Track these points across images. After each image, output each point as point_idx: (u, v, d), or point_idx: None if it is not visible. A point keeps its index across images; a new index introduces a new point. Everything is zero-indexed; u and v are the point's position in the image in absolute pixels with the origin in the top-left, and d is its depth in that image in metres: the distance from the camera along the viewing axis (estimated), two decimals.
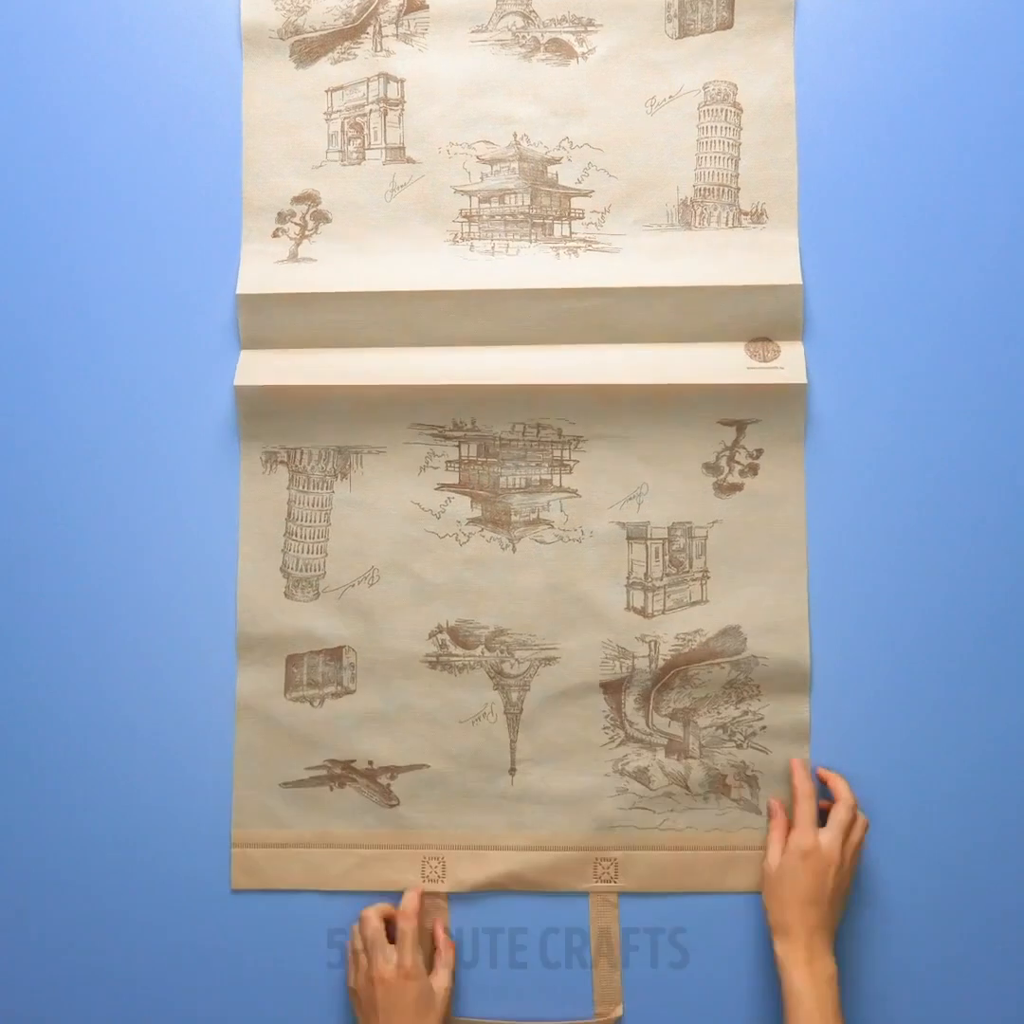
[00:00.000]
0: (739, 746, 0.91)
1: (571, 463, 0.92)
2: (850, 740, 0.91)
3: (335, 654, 0.92)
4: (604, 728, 0.91)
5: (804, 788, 0.87)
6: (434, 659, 0.92)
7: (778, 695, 0.91)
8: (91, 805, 0.92)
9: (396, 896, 0.90)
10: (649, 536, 0.92)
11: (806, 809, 0.86)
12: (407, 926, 0.86)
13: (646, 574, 0.92)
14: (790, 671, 0.91)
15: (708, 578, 0.92)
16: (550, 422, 0.92)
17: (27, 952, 0.92)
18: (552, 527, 0.92)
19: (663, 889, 0.90)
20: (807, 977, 0.80)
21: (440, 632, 0.92)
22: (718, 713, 0.91)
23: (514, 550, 0.92)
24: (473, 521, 0.92)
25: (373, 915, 0.87)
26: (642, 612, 0.92)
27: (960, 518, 0.92)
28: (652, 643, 0.91)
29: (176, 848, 0.92)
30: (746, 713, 0.91)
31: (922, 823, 0.90)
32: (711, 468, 0.92)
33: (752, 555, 0.91)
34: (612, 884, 0.90)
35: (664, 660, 0.91)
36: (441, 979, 0.86)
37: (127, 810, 0.92)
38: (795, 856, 0.84)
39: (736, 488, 0.92)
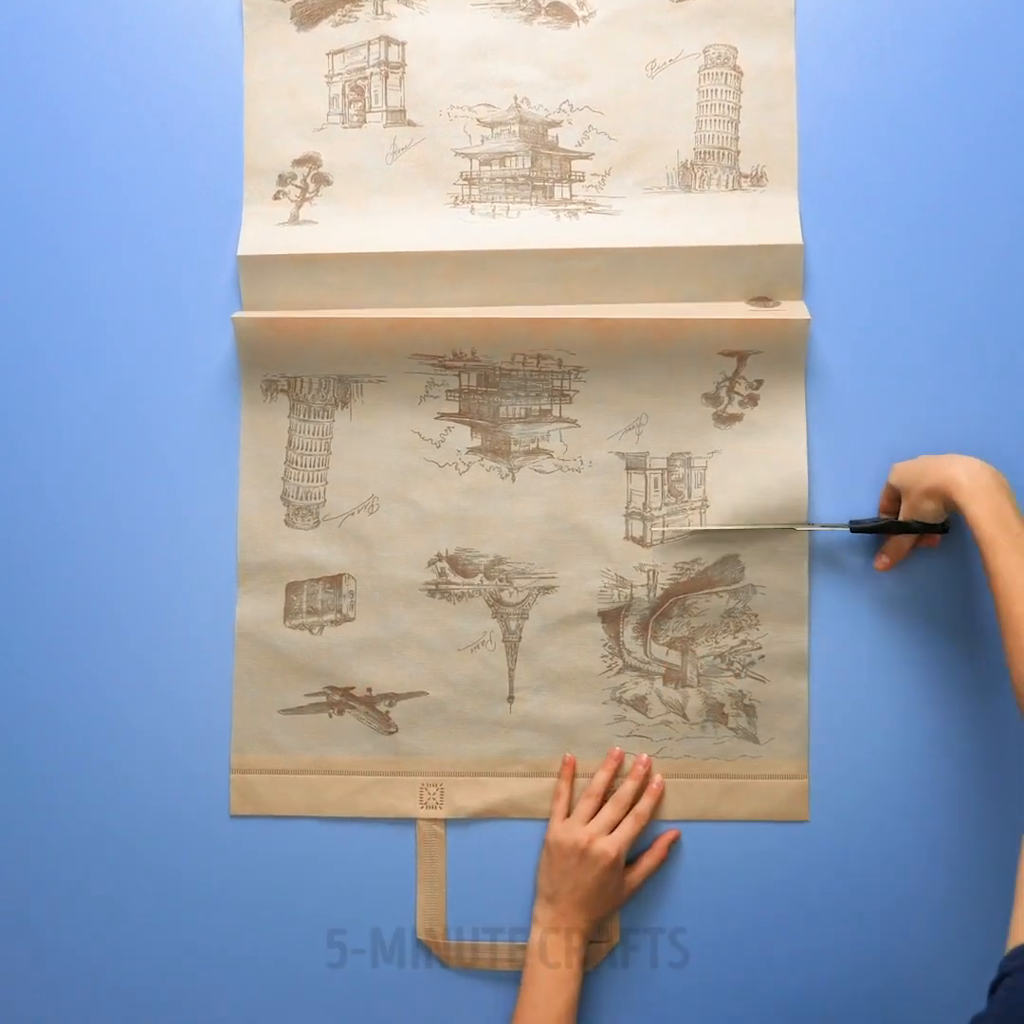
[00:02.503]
0: (737, 675, 0.91)
1: (571, 393, 0.92)
2: (849, 669, 0.91)
3: (335, 582, 0.93)
4: (602, 657, 0.92)
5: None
6: (433, 587, 0.92)
7: (776, 625, 0.91)
8: (91, 730, 0.93)
9: (393, 825, 0.91)
10: (648, 466, 0.92)
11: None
12: (637, 825, 0.88)
13: (645, 504, 0.92)
14: (788, 600, 0.91)
15: (707, 507, 0.92)
16: (550, 353, 0.92)
17: (26, 874, 0.92)
18: (551, 457, 0.92)
19: (658, 817, 0.91)
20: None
21: (439, 561, 0.92)
22: (716, 642, 0.92)
23: (513, 480, 0.92)
24: (473, 450, 0.93)
25: (603, 781, 0.89)
26: (640, 541, 0.92)
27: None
28: (650, 572, 0.92)
29: (176, 774, 0.92)
30: (744, 643, 0.91)
31: (920, 753, 0.91)
32: (711, 398, 0.92)
33: (751, 485, 0.91)
34: None
35: (662, 589, 0.92)
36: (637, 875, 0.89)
37: (127, 736, 0.93)
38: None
39: (736, 418, 0.92)
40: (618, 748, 0.91)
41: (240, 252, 0.92)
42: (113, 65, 0.95)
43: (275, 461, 0.93)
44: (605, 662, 0.92)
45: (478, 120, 0.94)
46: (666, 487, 0.92)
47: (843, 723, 0.91)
